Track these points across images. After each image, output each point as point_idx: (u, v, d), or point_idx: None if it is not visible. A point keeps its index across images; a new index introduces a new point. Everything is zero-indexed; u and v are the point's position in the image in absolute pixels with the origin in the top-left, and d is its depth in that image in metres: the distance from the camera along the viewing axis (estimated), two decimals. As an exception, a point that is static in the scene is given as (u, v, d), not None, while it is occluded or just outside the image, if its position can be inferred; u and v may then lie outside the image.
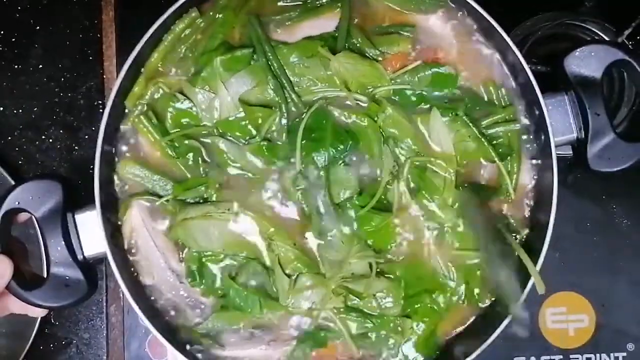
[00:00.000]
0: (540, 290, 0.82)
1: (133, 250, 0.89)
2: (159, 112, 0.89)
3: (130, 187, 0.90)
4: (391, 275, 0.88)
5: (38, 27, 1.11)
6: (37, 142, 1.09)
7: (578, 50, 0.87)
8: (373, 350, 0.89)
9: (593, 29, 1.10)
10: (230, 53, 0.87)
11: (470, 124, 0.87)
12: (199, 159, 0.88)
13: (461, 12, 0.92)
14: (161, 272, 0.88)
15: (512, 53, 0.88)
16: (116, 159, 0.90)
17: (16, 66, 1.10)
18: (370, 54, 0.89)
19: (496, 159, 0.88)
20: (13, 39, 1.11)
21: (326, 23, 0.90)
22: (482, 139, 0.88)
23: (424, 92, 0.89)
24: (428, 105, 0.89)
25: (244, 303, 0.86)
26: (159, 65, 0.90)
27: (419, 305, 0.88)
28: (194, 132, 0.88)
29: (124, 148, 0.90)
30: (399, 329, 0.88)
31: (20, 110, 1.09)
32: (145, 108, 0.89)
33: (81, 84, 1.10)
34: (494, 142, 0.89)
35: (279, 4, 0.92)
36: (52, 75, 1.10)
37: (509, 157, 0.89)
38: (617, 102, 1.09)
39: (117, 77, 0.87)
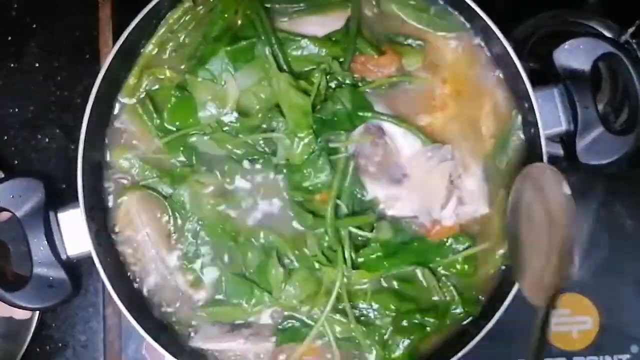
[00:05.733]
0: None
1: (122, 237, 0.89)
2: (158, 103, 0.89)
3: (123, 175, 0.90)
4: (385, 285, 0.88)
5: (34, 26, 1.10)
6: (33, 142, 1.08)
7: (567, 43, 0.87)
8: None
9: (596, 27, 1.09)
10: (236, 44, 0.86)
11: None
12: (193, 157, 0.88)
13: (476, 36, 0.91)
14: (151, 261, 0.88)
15: (500, 44, 0.86)
16: (107, 152, 0.90)
17: (12, 65, 1.09)
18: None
19: None
20: (9, 37, 1.10)
21: (334, 22, 0.89)
22: None
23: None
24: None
25: (235, 290, 0.86)
26: (154, 55, 0.90)
27: (406, 322, 0.87)
28: (188, 128, 0.88)
29: (119, 137, 0.90)
30: (385, 340, 0.86)
31: (16, 110, 1.08)
32: (143, 97, 0.89)
33: (77, 82, 1.09)
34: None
35: None
36: (48, 74, 1.09)
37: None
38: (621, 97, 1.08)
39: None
